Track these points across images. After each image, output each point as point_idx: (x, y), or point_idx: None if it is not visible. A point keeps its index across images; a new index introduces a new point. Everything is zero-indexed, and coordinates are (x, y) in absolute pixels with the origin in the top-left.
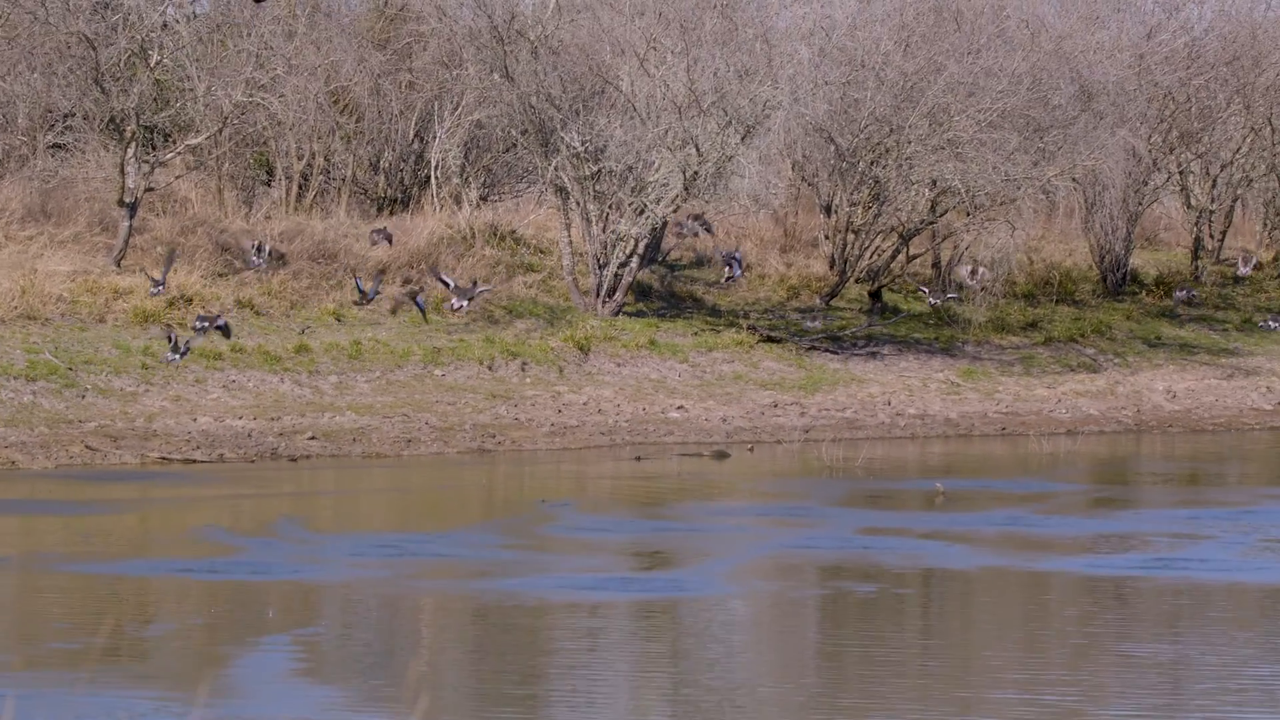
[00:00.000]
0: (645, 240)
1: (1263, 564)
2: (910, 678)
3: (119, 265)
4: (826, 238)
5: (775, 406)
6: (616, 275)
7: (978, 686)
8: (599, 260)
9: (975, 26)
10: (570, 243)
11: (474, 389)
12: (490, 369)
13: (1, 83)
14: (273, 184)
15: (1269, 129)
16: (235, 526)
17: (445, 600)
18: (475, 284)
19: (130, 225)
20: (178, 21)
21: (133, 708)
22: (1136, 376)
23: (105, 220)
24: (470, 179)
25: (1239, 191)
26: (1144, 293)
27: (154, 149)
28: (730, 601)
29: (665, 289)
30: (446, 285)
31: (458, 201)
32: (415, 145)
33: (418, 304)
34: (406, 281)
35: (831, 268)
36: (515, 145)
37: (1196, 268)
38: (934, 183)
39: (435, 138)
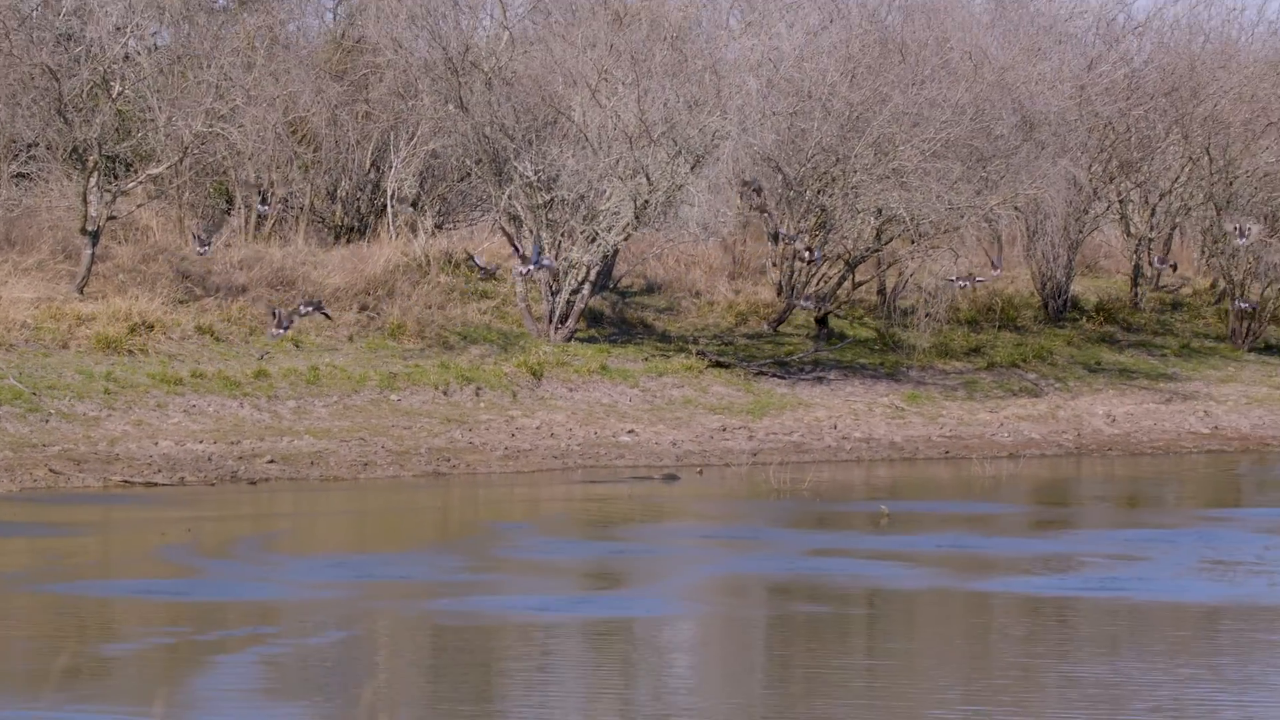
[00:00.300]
0: (597, 267)
1: (1201, 584)
2: (856, 697)
3: (82, 292)
4: (774, 265)
5: (724, 430)
6: (569, 302)
7: (923, 705)
8: (551, 287)
9: (919, 58)
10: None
11: (429, 413)
12: (445, 394)
13: None
14: (232, 212)
15: (1207, 159)
16: (196, 548)
17: (402, 620)
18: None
19: (93, 253)
20: (139, 54)
21: None
22: (1077, 401)
23: (68, 248)
24: (425, 207)
25: (1177, 220)
26: (1084, 319)
27: (116, 178)
28: (681, 621)
29: (616, 315)
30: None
31: (413, 229)
32: (371, 174)
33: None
34: (363, 308)
35: (779, 294)
36: (470, 174)
37: (1136, 295)
38: (879, 211)
39: (391, 167)
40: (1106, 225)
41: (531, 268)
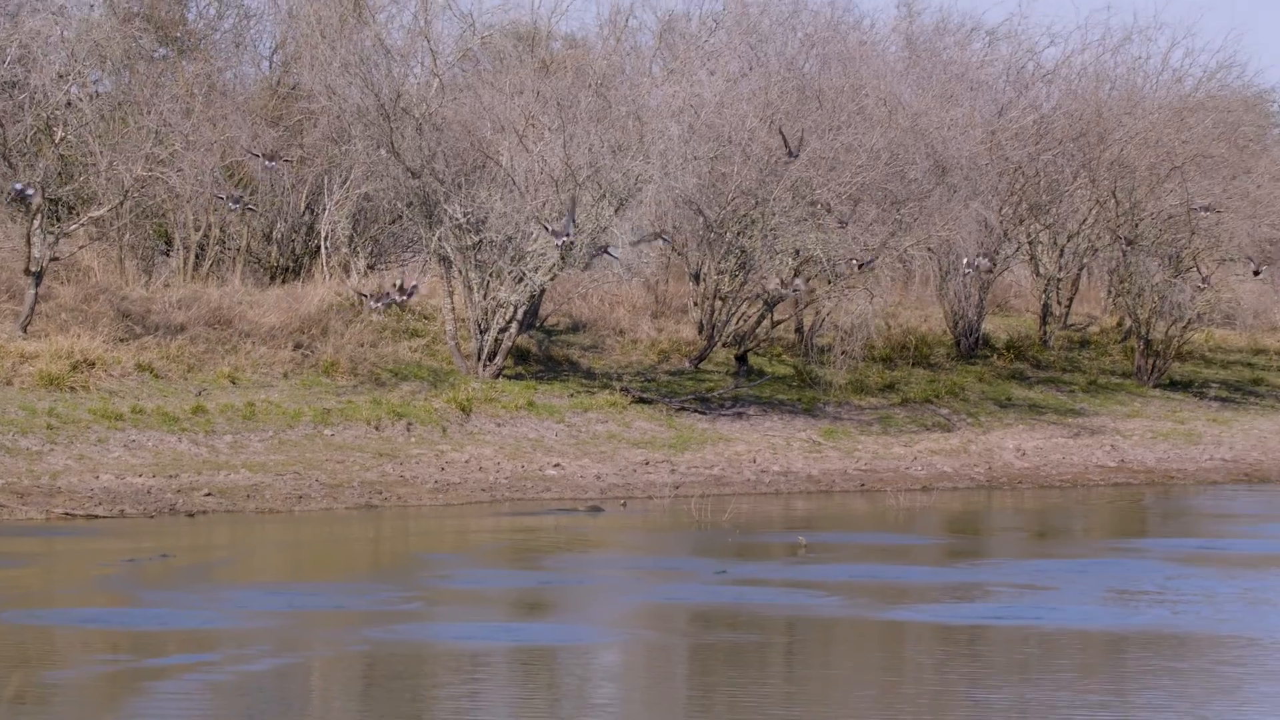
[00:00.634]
0: (524, 306)
1: (1107, 613)
2: None
3: (25, 331)
4: (695, 304)
5: (647, 464)
6: (497, 340)
7: None
8: (480, 326)
9: (836, 105)
10: (453, 309)
11: (362, 448)
12: (377, 429)
13: None
14: (171, 253)
15: (1113, 201)
16: (135, 578)
17: (337, 648)
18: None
19: (36, 293)
20: (81, 100)
21: None
22: (988, 435)
23: (12, 288)
24: (358, 248)
25: (1085, 260)
26: (995, 356)
27: (59, 221)
28: (606, 649)
29: (543, 353)
30: None
31: (346, 270)
32: (306, 217)
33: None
34: (298, 346)
35: (700, 333)
36: (401, 216)
37: (1044, 333)
38: (797, 252)
39: (325, 209)
40: (1016, 265)
41: (567, 238)
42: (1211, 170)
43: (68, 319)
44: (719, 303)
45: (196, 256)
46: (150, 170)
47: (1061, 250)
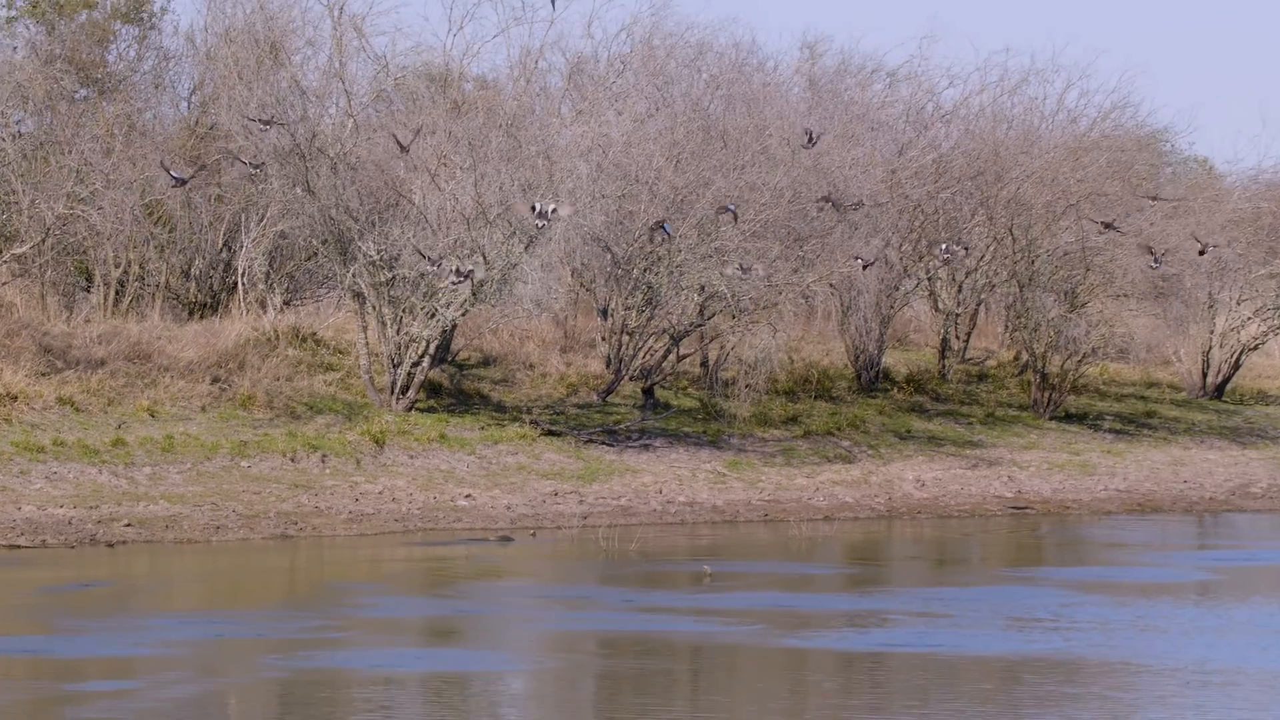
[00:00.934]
0: (436, 341)
1: (1004, 639)
2: None
3: None
4: (603, 339)
5: (556, 495)
6: (409, 374)
7: None
8: (393, 360)
9: (740, 144)
10: (367, 344)
11: (278, 479)
12: (293, 461)
13: None
14: (92, 290)
15: (1010, 238)
16: (56, 607)
17: (254, 674)
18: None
19: None
20: (3, 140)
21: None
22: (888, 466)
23: None
24: (274, 285)
25: (983, 296)
26: (895, 389)
27: None
28: (517, 675)
29: (454, 386)
30: None
31: (263, 306)
32: (224, 254)
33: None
34: (216, 380)
35: (608, 366)
36: (316, 254)
37: (943, 366)
38: (702, 288)
39: (242, 247)
40: (916, 301)
41: (544, 221)
42: (1106, 208)
43: None
44: (626, 338)
45: (117, 293)
46: (71, 208)
47: (960, 286)
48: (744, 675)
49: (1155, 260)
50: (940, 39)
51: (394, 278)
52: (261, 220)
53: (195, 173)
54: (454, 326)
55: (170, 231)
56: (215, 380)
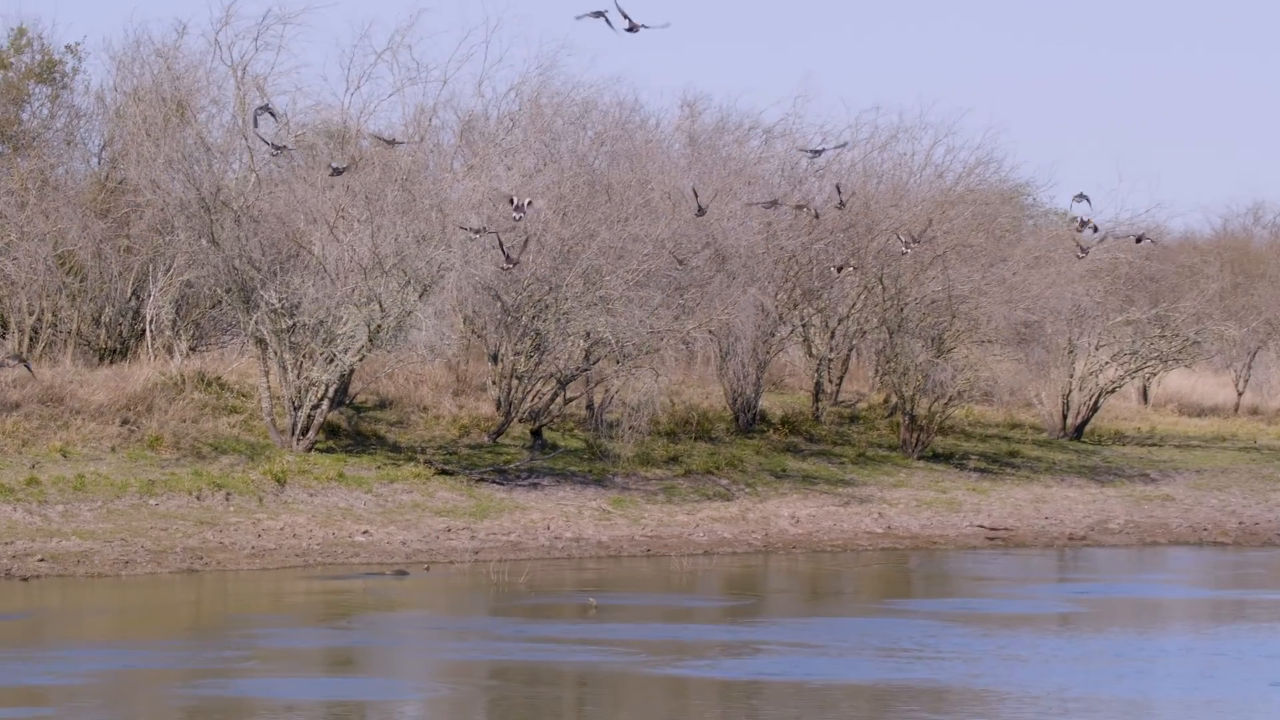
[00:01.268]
0: (335, 385)
1: (874, 668)
2: None
3: None
4: (494, 383)
5: (449, 531)
6: (310, 416)
7: None
8: (294, 403)
9: (624, 198)
10: (269, 387)
11: (184, 516)
12: (199, 499)
13: None
14: (7, 336)
15: (880, 287)
16: None
17: (163, 703)
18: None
19: None
20: None
21: None
22: (765, 504)
23: None
24: (181, 331)
25: (854, 342)
26: (772, 430)
27: None
28: (411, 704)
29: (352, 428)
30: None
31: (170, 351)
32: (132, 302)
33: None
34: (125, 422)
35: (498, 409)
36: (221, 302)
37: (817, 409)
38: (588, 334)
39: (150, 295)
40: (791, 346)
41: (520, 214)
42: (971, 258)
43: None
44: (516, 381)
45: (30, 339)
46: None
47: (832, 332)
48: (628, 703)
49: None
50: (814, 98)
51: (295, 325)
52: (169, 270)
53: (350, 164)
54: (351, 371)
55: (81, 281)
56: (125, 422)
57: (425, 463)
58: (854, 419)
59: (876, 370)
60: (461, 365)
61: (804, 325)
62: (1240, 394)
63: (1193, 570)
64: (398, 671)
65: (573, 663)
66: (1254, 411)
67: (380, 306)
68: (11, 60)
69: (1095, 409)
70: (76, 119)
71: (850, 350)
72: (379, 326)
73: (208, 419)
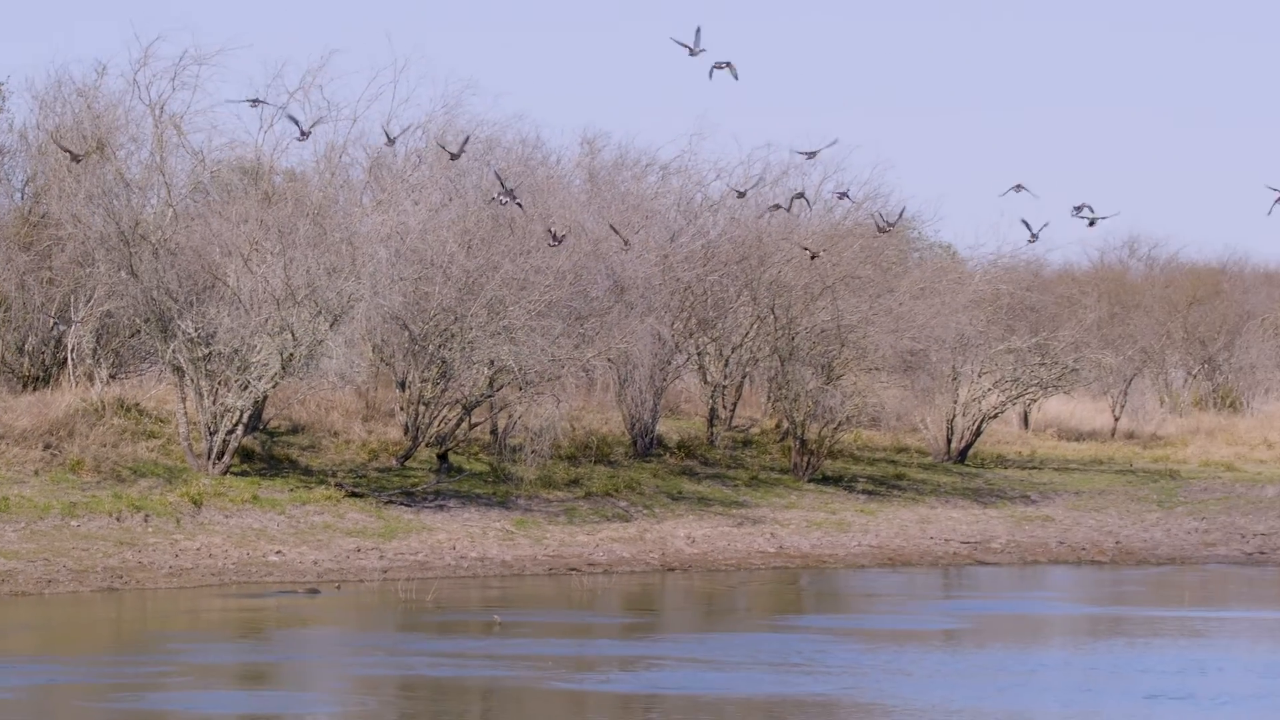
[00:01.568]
0: (249, 411)
1: (765, 681)
2: None
3: None
4: (402, 409)
5: (359, 551)
6: (225, 441)
7: None
8: (210, 428)
9: (526, 231)
10: (186, 413)
11: (105, 537)
12: (119, 520)
13: None
14: None
15: (772, 317)
16: None
17: (81, 716)
18: None
19: None
20: None
21: None
22: (662, 525)
23: None
24: (101, 360)
25: (748, 369)
26: (668, 454)
27: None
28: (323, 716)
29: (266, 452)
30: None
31: (91, 379)
32: (55, 331)
33: None
34: (48, 447)
35: (406, 434)
36: (139, 331)
37: (712, 434)
38: (492, 362)
39: (72, 325)
40: (687, 374)
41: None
42: (859, 289)
43: None
44: (423, 408)
45: None
46: None
47: (726, 360)
48: (531, 716)
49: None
50: (708, 136)
51: (210, 353)
52: (90, 301)
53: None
54: (265, 397)
55: (5, 310)
56: (47, 447)
57: (336, 485)
58: (747, 443)
59: (769, 396)
60: (371, 392)
61: (699, 353)
62: (1117, 419)
63: (1071, 588)
64: (310, 686)
65: (478, 677)
66: (1130, 436)
67: (293, 336)
68: None
69: (978, 433)
70: (0, 156)
71: (744, 377)
72: (291, 355)
73: (127, 444)
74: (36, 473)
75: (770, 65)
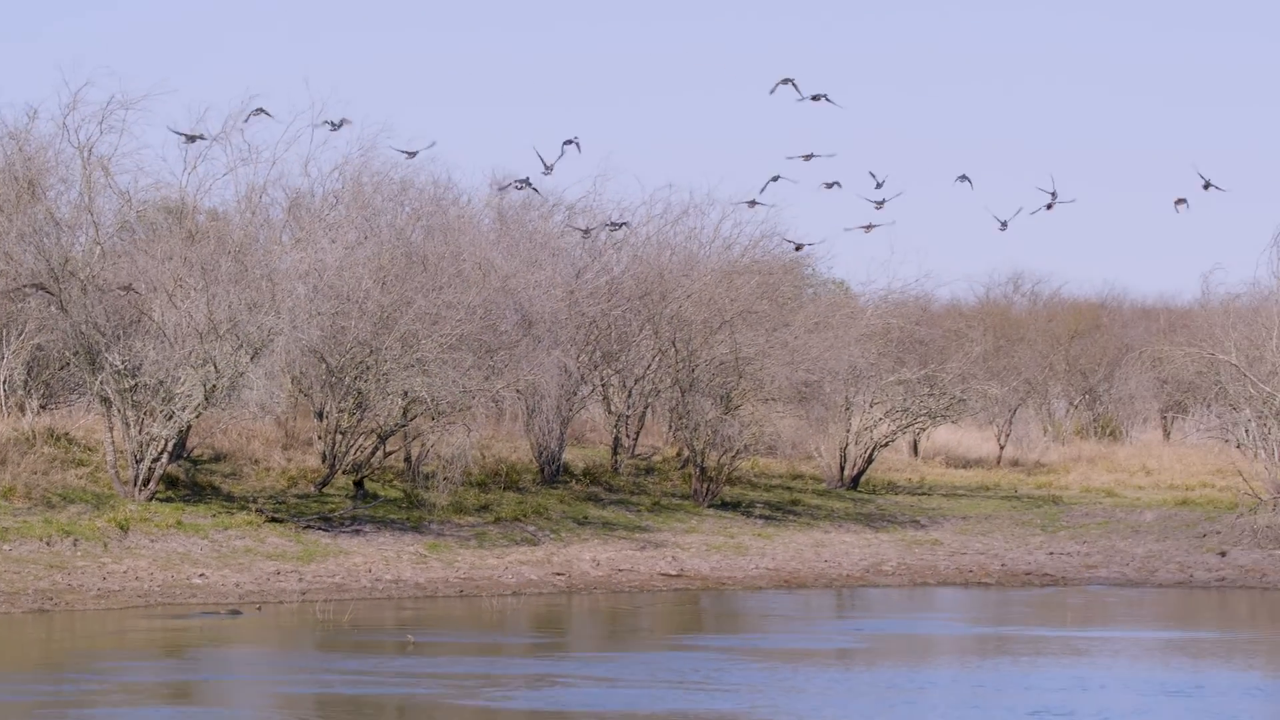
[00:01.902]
0: (173, 440)
1: (666, 697)
2: None
3: None
4: (320, 438)
5: (278, 574)
6: (150, 468)
7: None
8: (136, 456)
9: (438, 268)
10: (113, 442)
11: (35, 561)
12: (49, 544)
13: None
14: None
15: (673, 350)
16: None
17: None
18: None
19: None
20: None
21: None
22: (568, 549)
23: None
24: (32, 391)
25: (650, 400)
26: (574, 481)
27: None
28: None
29: (190, 479)
30: None
31: (22, 409)
32: None
33: None
34: None
35: (323, 462)
36: (69, 363)
37: (616, 461)
38: (406, 394)
39: (3, 358)
40: (592, 404)
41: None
42: (756, 323)
43: None
44: (339, 436)
45: None
46: None
47: (630, 391)
48: None
49: (1050, 204)
50: (612, 177)
51: (136, 384)
52: (21, 334)
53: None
54: (189, 427)
55: None
56: None
57: (257, 511)
58: (650, 470)
59: (670, 426)
60: (290, 421)
61: (604, 385)
62: (1002, 447)
63: (959, 608)
64: (232, 703)
65: (393, 695)
66: (1015, 463)
67: (215, 368)
68: None
69: (870, 461)
70: None
71: (646, 407)
72: (214, 386)
73: (57, 471)
74: None
75: (674, 108)
